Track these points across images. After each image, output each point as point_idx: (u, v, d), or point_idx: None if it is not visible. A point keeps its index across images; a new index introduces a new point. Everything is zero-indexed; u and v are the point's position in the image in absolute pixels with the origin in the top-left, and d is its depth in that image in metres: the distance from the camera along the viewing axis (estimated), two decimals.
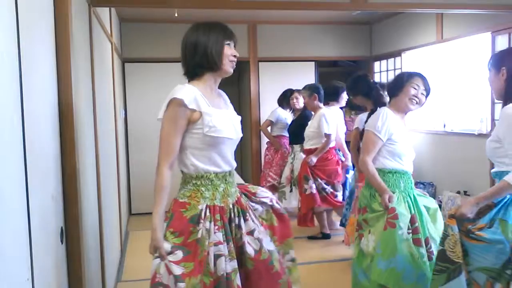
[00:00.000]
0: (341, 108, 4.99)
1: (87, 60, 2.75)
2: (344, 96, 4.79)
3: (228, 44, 2.04)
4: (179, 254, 1.91)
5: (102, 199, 3.01)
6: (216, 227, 1.95)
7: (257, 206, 2.22)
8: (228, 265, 1.92)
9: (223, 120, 2.00)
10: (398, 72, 5.95)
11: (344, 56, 6.64)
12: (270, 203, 2.25)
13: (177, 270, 1.87)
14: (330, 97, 4.79)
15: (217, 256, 1.91)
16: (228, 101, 2.19)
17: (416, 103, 2.72)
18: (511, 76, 2.20)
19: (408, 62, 5.81)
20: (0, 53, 1.24)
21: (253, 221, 2.08)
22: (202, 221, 1.95)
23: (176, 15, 5.10)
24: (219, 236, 1.94)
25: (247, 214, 2.08)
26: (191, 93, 1.99)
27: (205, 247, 1.91)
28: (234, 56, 2.04)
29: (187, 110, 1.95)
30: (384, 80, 6.30)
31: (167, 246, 1.91)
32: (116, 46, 4.86)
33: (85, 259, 2.25)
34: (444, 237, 2.27)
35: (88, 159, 2.61)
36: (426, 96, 2.76)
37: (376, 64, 6.52)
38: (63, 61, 2.03)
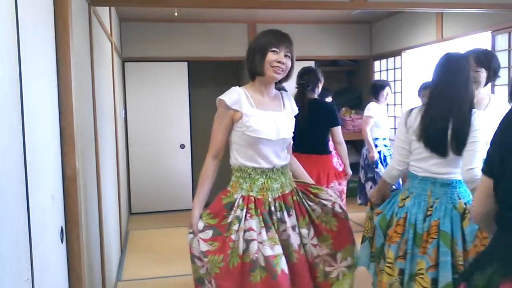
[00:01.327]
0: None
1: (87, 60, 2.75)
2: (384, 94, 4.97)
3: (274, 50, 2.15)
4: (209, 233, 2.14)
5: (102, 199, 3.02)
6: (249, 215, 2.13)
7: (315, 206, 2.27)
8: (267, 249, 2.06)
9: (263, 122, 2.15)
10: (398, 71, 5.96)
11: (344, 55, 6.64)
12: (331, 206, 2.28)
13: (204, 246, 2.11)
14: (372, 95, 5.06)
15: (249, 241, 2.08)
16: (289, 104, 2.31)
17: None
18: None
19: (408, 61, 5.80)
20: (0, 53, 1.24)
21: (296, 218, 2.22)
22: (234, 208, 2.15)
23: (176, 14, 5.11)
24: (251, 223, 2.10)
25: (291, 210, 2.21)
26: (236, 95, 2.17)
27: (231, 232, 2.10)
28: (279, 62, 2.15)
29: (230, 110, 2.16)
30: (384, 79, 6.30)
31: (200, 224, 2.17)
32: (116, 45, 4.86)
33: (85, 259, 2.25)
34: None
35: (88, 159, 2.61)
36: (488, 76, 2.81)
37: (376, 63, 6.52)
38: (63, 61, 2.02)
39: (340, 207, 2.30)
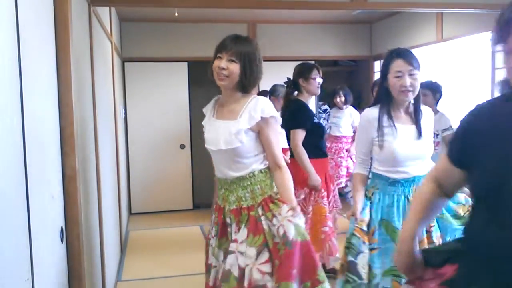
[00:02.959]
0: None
1: (87, 60, 2.75)
2: None
3: (219, 57, 2.08)
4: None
5: (102, 199, 3.02)
6: (214, 222, 2.22)
7: (273, 228, 2.00)
8: (211, 257, 2.18)
9: (211, 131, 2.16)
10: None
11: (344, 55, 6.64)
12: (276, 229, 1.97)
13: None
14: None
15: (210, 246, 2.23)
16: (248, 112, 2.06)
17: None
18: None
19: None
20: (0, 53, 1.24)
21: (247, 235, 2.03)
22: (213, 213, 2.27)
23: (176, 14, 5.11)
24: (213, 230, 2.21)
25: (240, 225, 2.07)
26: (209, 105, 2.28)
27: (210, 232, 2.26)
28: (219, 67, 2.05)
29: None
30: None
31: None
32: (116, 45, 4.86)
33: (85, 259, 2.25)
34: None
35: (88, 159, 2.61)
36: None
37: (376, 64, 6.52)
38: (63, 61, 2.02)
39: (284, 231, 1.94)
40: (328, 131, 5.68)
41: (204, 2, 3.46)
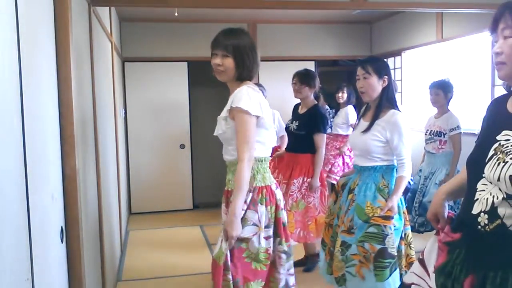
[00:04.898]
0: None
1: (87, 60, 2.75)
2: None
3: (214, 53, 2.19)
4: None
5: (102, 199, 3.02)
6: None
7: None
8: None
9: None
10: (398, 71, 5.96)
11: (344, 55, 6.64)
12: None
13: None
14: None
15: None
16: (229, 102, 2.18)
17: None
18: (389, 85, 2.60)
19: (408, 61, 5.81)
20: (0, 53, 1.24)
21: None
22: None
23: (176, 14, 5.11)
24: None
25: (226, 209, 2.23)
26: None
27: None
28: (216, 64, 2.17)
29: None
30: None
31: None
32: (116, 45, 4.86)
33: (85, 259, 2.25)
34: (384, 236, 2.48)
35: (88, 159, 2.61)
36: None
37: None
38: (63, 61, 2.02)
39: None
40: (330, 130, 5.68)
41: (204, 2, 3.46)
